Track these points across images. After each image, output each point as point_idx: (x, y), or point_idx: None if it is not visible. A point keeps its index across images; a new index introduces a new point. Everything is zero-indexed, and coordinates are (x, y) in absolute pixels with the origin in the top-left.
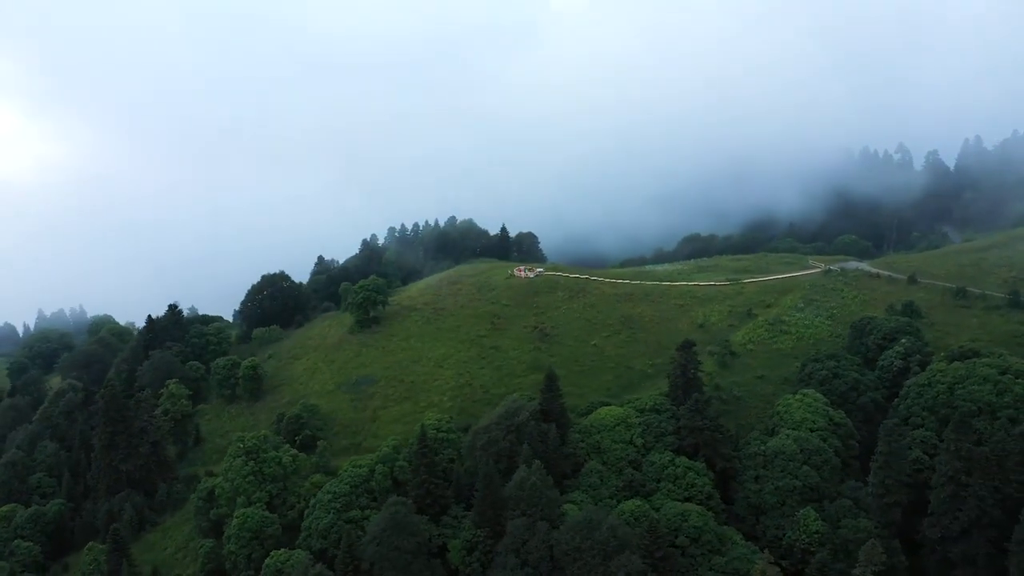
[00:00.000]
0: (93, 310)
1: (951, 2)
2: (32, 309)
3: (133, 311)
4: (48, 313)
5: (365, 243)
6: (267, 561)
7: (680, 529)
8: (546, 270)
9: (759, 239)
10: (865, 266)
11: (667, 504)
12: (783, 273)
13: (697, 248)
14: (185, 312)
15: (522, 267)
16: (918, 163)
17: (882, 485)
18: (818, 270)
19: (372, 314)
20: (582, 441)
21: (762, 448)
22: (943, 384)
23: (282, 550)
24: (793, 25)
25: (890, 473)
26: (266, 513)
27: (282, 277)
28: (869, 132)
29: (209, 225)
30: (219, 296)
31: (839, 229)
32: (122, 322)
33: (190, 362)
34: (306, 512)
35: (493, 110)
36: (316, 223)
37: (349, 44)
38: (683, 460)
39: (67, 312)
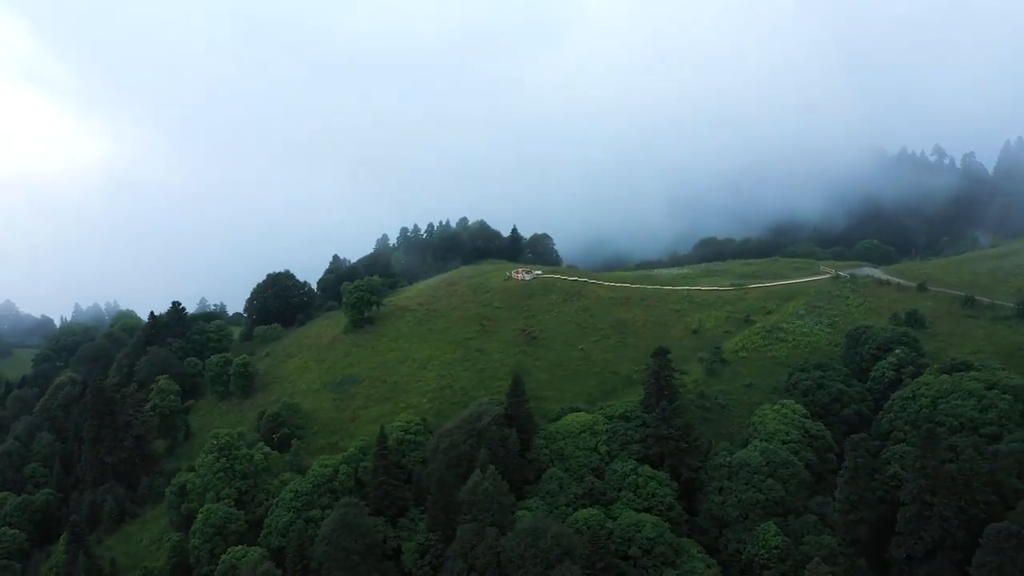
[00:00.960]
0: (126, 305)
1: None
2: (70, 303)
3: (162, 306)
4: (84, 307)
5: (378, 243)
6: (223, 557)
7: (633, 540)
8: (546, 272)
9: (779, 243)
10: (878, 273)
11: (624, 514)
12: (792, 279)
13: (712, 252)
14: (212, 307)
15: (520, 269)
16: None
17: (847, 501)
18: (827, 276)
19: (367, 314)
20: (546, 447)
21: (727, 459)
22: (927, 398)
23: (240, 547)
24: (813, 25)
25: (855, 489)
26: (231, 509)
27: (287, 276)
28: (904, 134)
29: (240, 223)
30: (246, 294)
31: (864, 234)
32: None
33: (188, 358)
34: (270, 510)
35: (515, 111)
36: (342, 223)
37: (376, 45)
38: (646, 469)
39: (102, 306)
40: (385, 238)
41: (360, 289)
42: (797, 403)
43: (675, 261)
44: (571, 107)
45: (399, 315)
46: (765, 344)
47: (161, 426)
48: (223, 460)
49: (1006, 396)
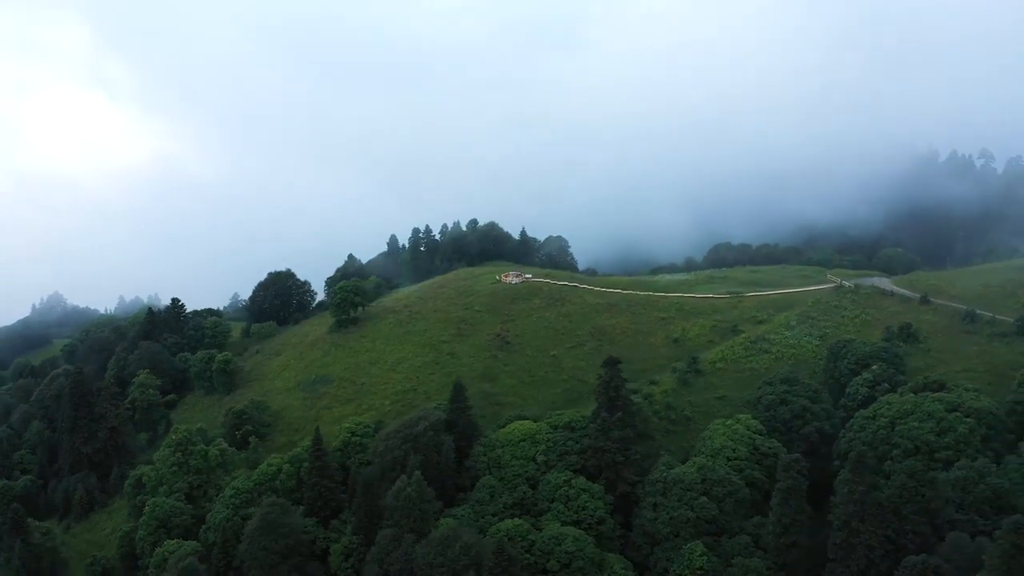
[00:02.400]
0: (168, 299)
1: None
2: (116, 296)
3: (201, 300)
4: (128, 299)
5: (388, 244)
6: (158, 550)
7: (552, 553)
8: (536, 276)
9: (799, 250)
10: (886, 283)
11: (549, 526)
12: (794, 287)
13: (724, 257)
14: (242, 303)
15: (511, 273)
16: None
17: (779, 524)
18: (830, 286)
19: (353, 315)
20: (484, 455)
21: (663, 475)
22: (885, 418)
23: (174, 540)
24: (849, 22)
25: (787, 511)
26: (177, 503)
27: (288, 275)
28: (951, 136)
29: (278, 221)
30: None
31: (898, 240)
32: None
33: (181, 354)
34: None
35: (542, 113)
36: (370, 223)
37: (404, 46)
38: (580, 481)
39: (144, 299)
40: (395, 239)
41: (344, 290)
42: (754, 418)
43: (689, 266)
44: (596, 110)
45: (383, 317)
46: (746, 355)
47: (142, 419)
48: (178, 455)
49: (968, 420)
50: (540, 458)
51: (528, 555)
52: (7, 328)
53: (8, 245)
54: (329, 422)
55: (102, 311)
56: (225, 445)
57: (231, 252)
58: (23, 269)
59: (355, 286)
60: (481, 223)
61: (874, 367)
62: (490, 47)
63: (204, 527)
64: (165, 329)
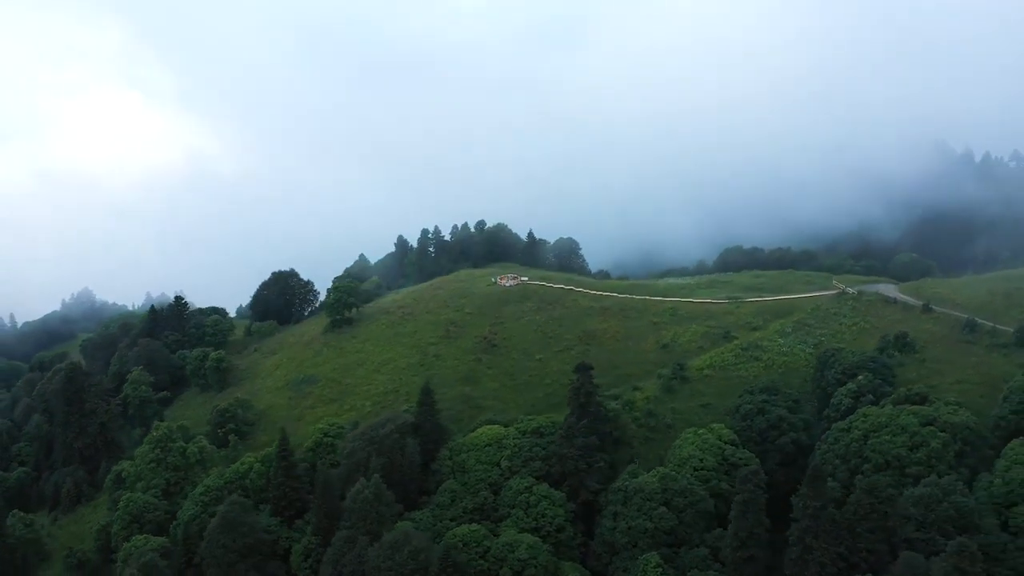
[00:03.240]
0: (194, 295)
1: None
2: (144, 292)
3: (226, 297)
4: (154, 296)
5: (396, 245)
6: (125, 545)
7: (506, 560)
8: (532, 279)
9: (813, 253)
10: (892, 290)
11: (506, 532)
12: (797, 293)
13: (737, 261)
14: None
15: (508, 275)
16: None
17: (736, 537)
18: (833, 292)
19: (347, 315)
20: (449, 459)
21: (625, 484)
22: (860, 431)
23: (142, 536)
24: (850, 23)
25: (744, 524)
26: (151, 498)
27: (291, 275)
28: (981, 136)
29: (303, 219)
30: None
31: (915, 245)
32: None
33: (180, 351)
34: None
35: (561, 114)
36: (392, 223)
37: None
38: (541, 488)
39: (170, 296)
40: (402, 240)
41: (339, 291)
42: (729, 428)
43: (699, 270)
44: (614, 111)
45: (377, 318)
46: (735, 362)
47: (136, 415)
48: (157, 451)
49: (942, 434)
50: (504, 463)
51: (482, 561)
52: (34, 323)
53: (42, 242)
54: (311, 422)
55: (129, 307)
56: (205, 443)
57: (257, 250)
58: (56, 266)
59: (349, 287)
60: (500, 224)
61: (859, 377)
62: (512, 48)
63: (174, 523)
64: (167, 326)
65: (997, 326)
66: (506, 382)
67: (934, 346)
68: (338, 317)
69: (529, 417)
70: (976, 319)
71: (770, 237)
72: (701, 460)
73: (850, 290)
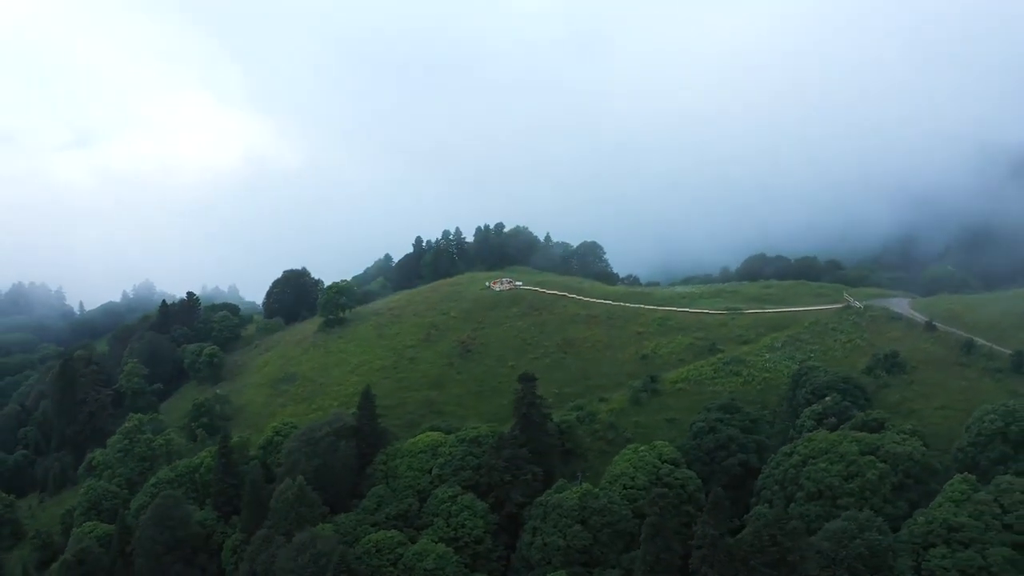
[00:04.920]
0: (244, 290)
1: None
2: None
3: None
4: (208, 288)
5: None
6: (75, 530)
7: (414, 569)
8: (527, 284)
9: (839, 263)
10: (905, 304)
11: (421, 541)
12: (803, 305)
13: (763, 269)
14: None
15: (505, 279)
16: None
17: (644, 561)
18: (839, 306)
19: (341, 315)
20: (383, 463)
21: (546, 499)
22: (800, 456)
23: (92, 523)
24: (890, 25)
25: (652, 548)
26: (110, 486)
27: (302, 274)
28: None
29: (353, 220)
30: None
31: (960, 257)
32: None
33: (186, 345)
34: None
35: (596, 120)
36: (429, 224)
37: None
38: (466, 498)
39: (224, 289)
40: (419, 241)
41: (331, 291)
42: (669, 445)
43: (723, 277)
44: (651, 115)
45: (368, 319)
46: (713, 377)
47: (131, 405)
48: (126, 442)
49: (881, 465)
50: (435, 471)
51: (392, 568)
52: (91, 312)
53: (115, 235)
54: (281, 419)
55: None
56: (173, 436)
57: (309, 248)
58: (125, 257)
59: (341, 288)
60: (519, 227)
61: (827, 399)
62: (550, 52)
63: (126, 513)
64: (176, 321)
65: (996, 348)
66: (472, 388)
67: (926, 368)
68: (331, 317)
69: (473, 426)
70: (975, 340)
71: (804, 246)
72: (632, 478)
73: (856, 304)
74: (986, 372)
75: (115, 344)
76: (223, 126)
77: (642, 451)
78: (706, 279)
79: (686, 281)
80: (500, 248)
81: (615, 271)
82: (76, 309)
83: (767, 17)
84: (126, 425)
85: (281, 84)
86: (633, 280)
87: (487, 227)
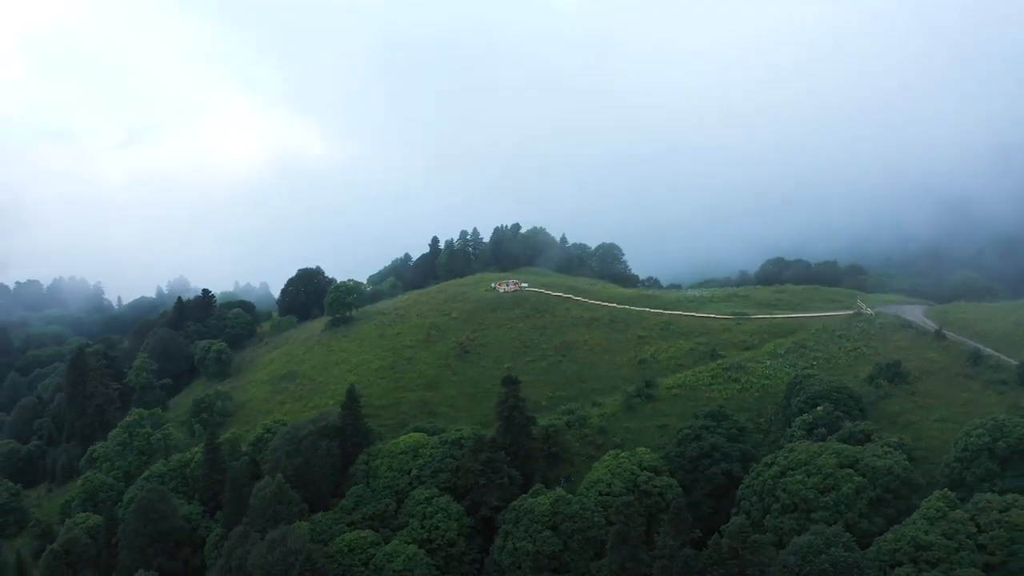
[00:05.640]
0: (276, 286)
1: None
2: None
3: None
4: (241, 284)
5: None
6: (67, 520)
7: (383, 569)
8: (533, 286)
9: (861, 268)
10: (918, 312)
11: (393, 542)
12: (815, 311)
13: (781, 273)
14: None
15: (509, 281)
16: None
17: (610, 569)
18: (849, 312)
19: (347, 315)
20: (365, 463)
21: (520, 504)
22: (779, 467)
23: (85, 514)
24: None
25: (617, 558)
26: (106, 479)
27: (316, 272)
28: None
29: (389, 220)
30: None
31: (992, 264)
32: None
33: (199, 342)
34: None
35: (623, 119)
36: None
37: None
38: (442, 501)
39: (256, 286)
40: (436, 241)
41: (337, 291)
42: (650, 452)
43: (742, 280)
44: (674, 117)
45: (373, 319)
46: (710, 383)
47: (139, 399)
48: (125, 435)
49: (858, 479)
50: (414, 472)
51: (363, 568)
52: (124, 308)
53: (153, 231)
54: (276, 417)
55: (221, 294)
56: (171, 430)
57: (338, 247)
58: (162, 254)
59: (347, 287)
60: (536, 227)
61: (819, 408)
62: (584, 54)
63: (119, 505)
64: (191, 317)
65: (1004, 360)
66: (466, 390)
67: (929, 378)
68: (337, 316)
69: (457, 428)
70: (983, 351)
71: (831, 249)
72: (609, 485)
73: (867, 311)
74: (990, 384)
75: (134, 339)
76: (262, 126)
77: (622, 457)
78: (724, 282)
79: (704, 284)
80: (515, 249)
81: (636, 273)
82: (115, 304)
83: (792, 17)
84: (127, 419)
85: (318, 86)
86: (653, 282)
87: (503, 228)
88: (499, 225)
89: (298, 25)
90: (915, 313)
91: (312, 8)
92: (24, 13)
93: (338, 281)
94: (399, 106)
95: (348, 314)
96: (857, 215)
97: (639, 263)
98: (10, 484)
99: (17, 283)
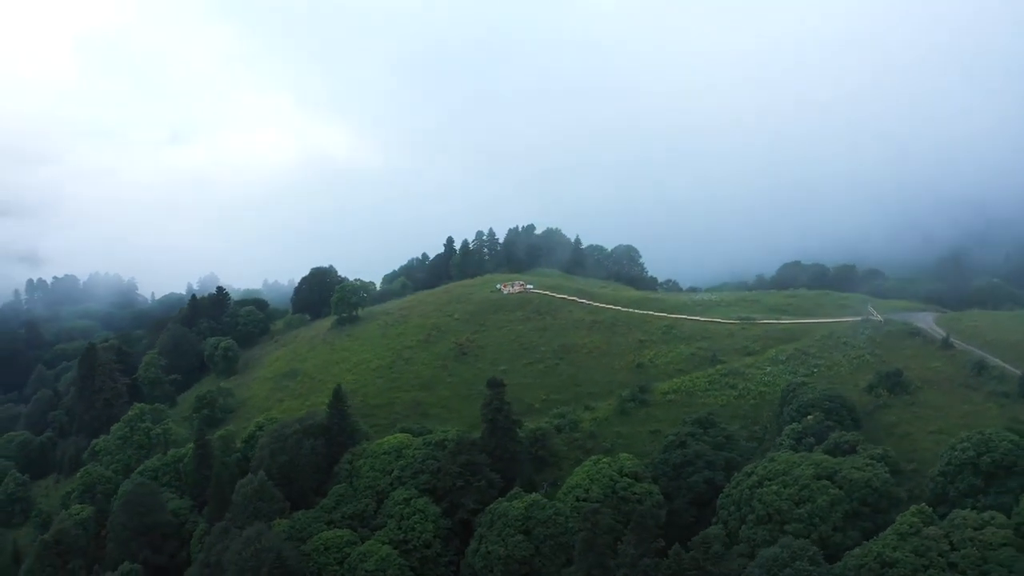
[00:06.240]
0: None
1: None
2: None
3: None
4: (270, 282)
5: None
6: (63, 511)
7: (356, 569)
8: (538, 288)
9: (881, 273)
10: (929, 319)
11: (368, 542)
12: (825, 317)
13: (798, 277)
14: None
15: (516, 282)
16: None
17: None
18: (858, 319)
19: (353, 314)
20: (349, 463)
21: (495, 507)
22: (757, 477)
23: (80, 505)
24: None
25: (583, 565)
26: (104, 471)
27: (328, 271)
28: None
29: (420, 220)
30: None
31: (1018, 266)
32: None
33: (210, 338)
34: None
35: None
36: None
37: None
38: (420, 502)
39: (284, 284)
40: (451, 241)
41: (343, 290)
42: (632, 458)
43: (758, 284)
44: (703, 119)
45: (378, 319)
46: (706, 389)
47: (149, 394)
48: (126, 430)
49: (834, 491)
50: (396, 473)
51: (338, 567)
52: (153, 304)
53: (190, 228)
54: (276, 413)
55: (247, 291)
56: (171, 425)
57: (366, 247)
58: (197, 251)
59: (352, 287)
60: (551, 228)
61: (809, 417)
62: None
63: (112, 498)
64: (205, 315)
65: (1009, 370)
66: (461, 391)
67: (931, 388)
68: (343, 315)
69: (443, 429)
70: (988, 360)
71: (853, 254)
72: (586, 490)
73: (876, 317)
74: (992, 396)
75: (152, 335)
76: (297, 128)
77: (603, 463)
78: (741, 286)
79: (721, 287)
80: (529, 250)
81: (656, 276)
82: (148, 300)
83: (817, 15)
84: (128, 414)
85: (351, 89)
86: (673, 285)
87: (516, 229)
88: (513, 226)
89: (332, 31)
90: (926, 320)
91: (344, 12)
92: (78, 16)
93: (351, 280)
94: (429, 109)
95: (354, 313)
96: (882, 219)
97: (663, 266)
98: (17, 475)
99: (55, 278)
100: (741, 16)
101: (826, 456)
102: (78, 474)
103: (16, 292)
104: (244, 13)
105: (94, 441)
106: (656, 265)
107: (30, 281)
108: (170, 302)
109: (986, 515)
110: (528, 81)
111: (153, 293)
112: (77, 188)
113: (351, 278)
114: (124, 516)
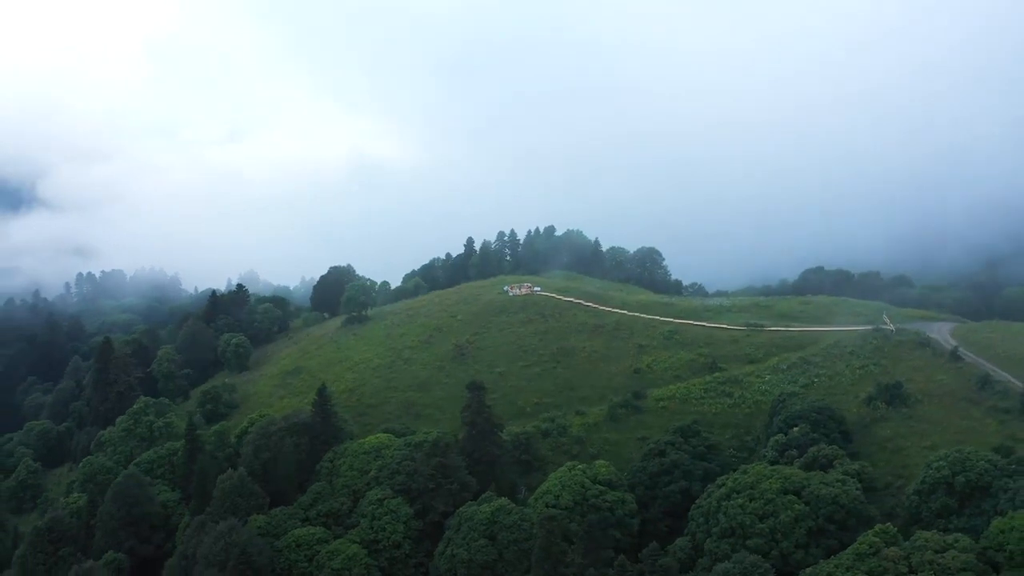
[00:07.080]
0: None
1: None
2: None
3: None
4: (307, 279)
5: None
6: (61, 499)
7: (324, 567)
8: (545, 290)
9: (908, 279)
10: (944, 330)
11: (338, 541)
12: (837, 325)
13: (823, 282)
14: None
15: (523, 284)
16: None
17: None
18: (868, 327)
19: (363, 313)
20: (329, 461)
21: (463, 510)
22: (726, 490)
23: (78, 494)
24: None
25: (540, 572)
26: (106, 462)
27: (346, 270)
28: None
29: (457, 220)
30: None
31: None
32: None
33: (226, 335)
34: None
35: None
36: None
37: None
38: (393, 503)
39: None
40: (471, 242)
41: (353, 290)
42: (607, 465)
43: (781, 289)
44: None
45: (385, 318)
46: (701, 397)
47: (163, 389)
48: (130, 423)
49: (798, 507)
50: (373, 473)
51: (307, 564)
52: (190, 299)
53: (238, 225)
54: (277, 410)
55: (284, 287)
56: (173, 419)
57: (397, 245)
58: (241, 248)
59: (362, 286)
60: (572, 230)
61: (795, 429)
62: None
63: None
64: (224, 311)
65: (1013, 385)
66: (455, 392)
67: (932, 401)
68: (353, 314)
69: (426, 430)
70: (993, 375)
71: (884, 259)
72: (556, 496)
73: (888, 327)
74: (993, 411)
75: (174, 331)
76: (344, 127)
77: (577, 470)
78: (763, 290)
79: (744, 292)
80: (548, 251)
81: (680, 279)
82: (192, 294)
83: (845, 14)
84: (134, 407)
85: (397, 90)
86: (698, 289)
87: (538, 230)
88: (534, 228)
89: (377, 32)
90: (941, 331)
91: (386, 12)
92: (148, 19)
93: (364, 279)
94: (471, 109)
95: (364, 313)
96: (917, 225)
97: (691, 270)
98: (31, 462)
99: (103, 272)
100: (746, 16)
101: (797, 471)
102: (80, 463)
103: (67, 285)
104: (295, 17)
105: (101, 432)
106: (685, 269)
107: (80, 275)
108: (206, 298)
109: (950, 538)
110: (562, 82)
111: (197, 288)
112: (132, 185)
113: (377, 278)
114: (113, 506)
